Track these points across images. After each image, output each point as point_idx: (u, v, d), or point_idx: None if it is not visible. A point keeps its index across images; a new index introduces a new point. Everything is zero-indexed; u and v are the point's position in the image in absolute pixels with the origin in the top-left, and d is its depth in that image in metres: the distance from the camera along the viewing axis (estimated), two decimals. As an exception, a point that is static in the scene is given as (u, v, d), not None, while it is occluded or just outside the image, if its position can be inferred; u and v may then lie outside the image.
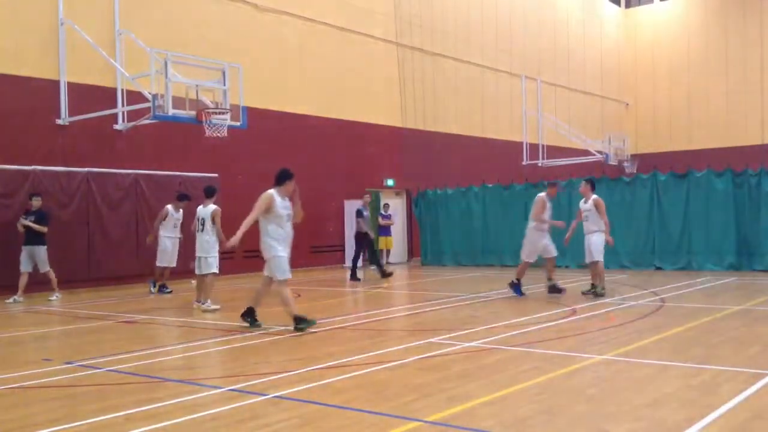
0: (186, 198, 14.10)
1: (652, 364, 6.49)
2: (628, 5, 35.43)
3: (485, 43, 26.40)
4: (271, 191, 8.81)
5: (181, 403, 5.36)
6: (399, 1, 23.09)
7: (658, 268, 16.62)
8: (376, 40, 22.24)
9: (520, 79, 27.51)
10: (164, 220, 13.91)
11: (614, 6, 34.93)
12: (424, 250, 21.16)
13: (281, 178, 8.90)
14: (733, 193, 15.92)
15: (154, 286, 14.31)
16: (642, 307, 10.35)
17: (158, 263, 14.14)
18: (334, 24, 20.88)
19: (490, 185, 20.49)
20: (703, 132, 31.58)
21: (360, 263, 17.19)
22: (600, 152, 25.42)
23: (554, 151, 27.07)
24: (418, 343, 7.77)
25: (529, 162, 26.63)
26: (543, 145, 27.25)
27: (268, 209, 8.68)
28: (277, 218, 8.74)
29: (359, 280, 16.17)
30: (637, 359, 6.71)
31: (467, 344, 7.54)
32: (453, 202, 20.86)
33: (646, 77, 33.98)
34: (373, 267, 16.95)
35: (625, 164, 25.84)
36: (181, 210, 14.11)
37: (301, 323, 8.57)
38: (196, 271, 11.59)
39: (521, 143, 27.12)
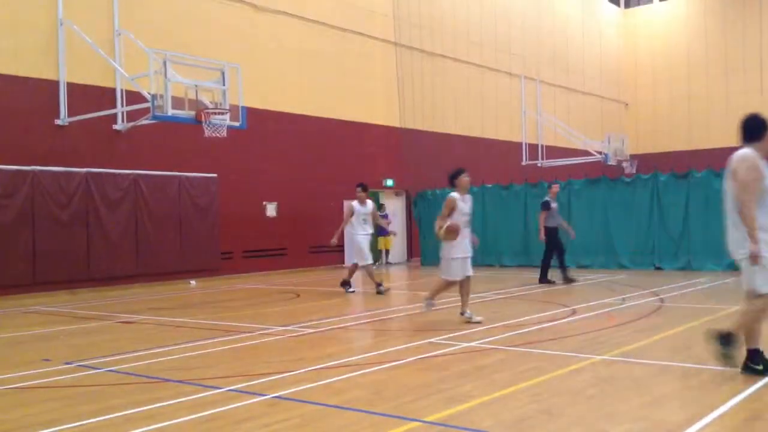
0: (365, 188, 13.36)
1: (652, 364, 6.49)
2: (627, 5, 35.46)
3: (485, 43, 26.41)
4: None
5: (180, 403, 5.36)
6: (398, 2, 23.10)
7: (658, 268, 16.63)
8: (375, 40, 22.25)
9: (519, 79, 27.52)
10: (351, 217, 13.24)
11: (614, 6, 34.95)
12: (424, 250, 21.16)
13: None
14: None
15: (350, 286, 13.57)
16: (641, 307, 10.35)
17: (357, 262, 13.46)
18: (333, 24, 20.89)
19: (490, 185, 20.49)
20: (702, 132, 31.61)
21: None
22: (599, 152, 25.43)
23: (554, 152, 27.09)
24: (417, 343, 7.77)
25: (528, 162, 26.64)
26: (542, 146, 27.26)
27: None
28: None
29: (552, 282, 13.98)
30: (636, 359, 6.71)
31: (466, 344, 7.54)
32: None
33: (646, 77, 34.00)
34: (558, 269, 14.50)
35: (624, 164, 25.84)
36: (369, 203, 13.38)
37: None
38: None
39: (521, 143, 27.14)
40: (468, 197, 9.00)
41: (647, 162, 27.45)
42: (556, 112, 28.32)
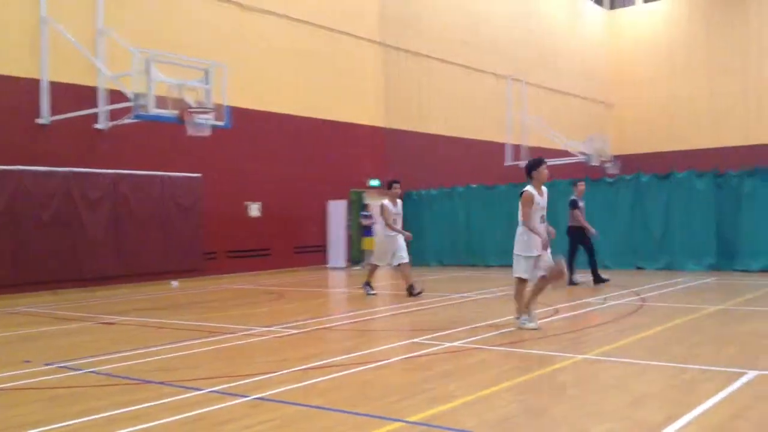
0: (397, 184, 12.66)
1: (633, 364, 6.54)
2: (612, 7, 35.68)
3: (471, 44, 26.48)
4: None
5: (162, 404, 5.33)
6: (385, 2, 23.11)
7: (640, 268, 16.75)
8: (361, 40, 22.25)
9: (504, 80, 27.62)
10: (383, 216, 12.48)
11: (598, 8, 35.17)
12: (409, 250, 21.14)
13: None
14: (714, 194, 16.07)
15: (371, 288, 12.86)
16: (623, 306, 10.42)
17: (376, 262, 12.88)
18: (319, 24, 20.86)
19: (474, 186, 20.55)
20: (685, 133, 31.87)
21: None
22: (582, 153, 25.58)
23: (538, 152, 27.16)
24: (401, 343, 7.78)
25: (512, 163, 26.74)
26: (526, 147, 27.38)
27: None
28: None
29: (576, 283, 13.46)
30: (618, 359, 6.76)
31: (450, 344, 7.56)
32: (437, 203, 20.91)
33: (630, 79, 34.23)
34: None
35: (607, 165, 26.00)
36: (399, 202, 12.65)
37: None
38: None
39: (505, 144, 27.23)
40: (544, 189, 8.43)
41: (630, 163, 27.65)
42: (540, 112, 28.46)
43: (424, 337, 8.04)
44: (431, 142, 24.33)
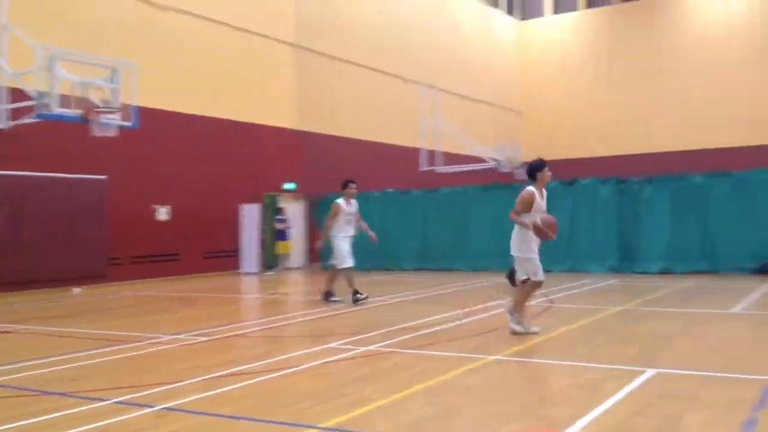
0: (353, 184, 12.09)
1: (542, 364, 6.73)
2: (523, 17, 36.72)
3: (386, 49, 26.67)
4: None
5: (64, 416, 5.07)
6: (301, 4, 22.95)
7: (547, 270, 17.21)
8: (276, 42, 22.01)
9: (418, 86, 27.96)
10: (337, 217, 11.82)
11: (509, 17, 36.15)
12: (324, 254, 21.06)
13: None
14: (616, 200, 16.79)
15: (333, 296, 12.06)
16: (533, 308, 10.71)
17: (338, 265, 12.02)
18: (233, 24, 20.50)
19: (390, 190, 20.70)
20: (591, 141, 33.14)
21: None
22: (494, 160, 26.19)
23: (451, 158, 27.65)
24: (316, 348, 7.72)
25: (427, 168, 27.07)
26: (440, 152, 27.79)
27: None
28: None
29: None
30: (527, 359, 6.94)
31: (365, 348, 7.56)
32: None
33: (539, 88, 35.34)
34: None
35: (517, 172, 26.73)
36: (354, 202, 12.09)
37: None
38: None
39: (419, 150, 27.53)
40: (544, 192, 8.26)
41: (539, 169, 28.47)
42: (453, 119, 28.95)
43: (338, 342, 8.00)
44: (346, 146, 24.34)
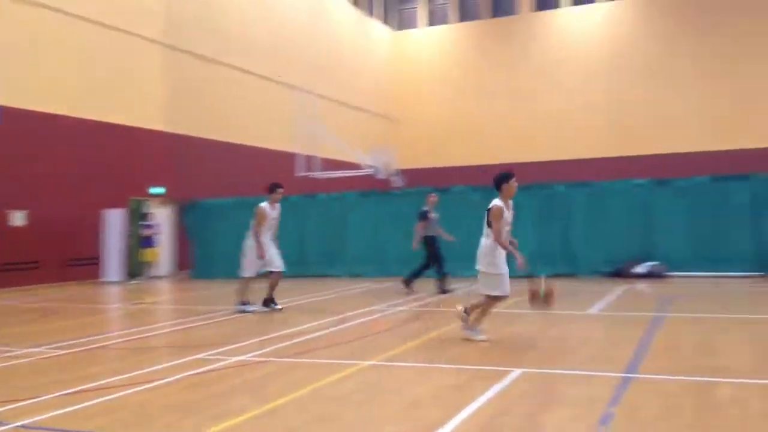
0: (280, 189, 11.74)
1: (415, 367, 6.86)
2: (399, 27, 37.39)
3: (261, 51, 26.31)
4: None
5: None
6: (172, 2, 22.19)
7: (422, 276, 17.64)
8: (144, 39, 21.15)
9: (294, 89, 27.79)
10: (263, 223, 11.37)
11: (385, 27, 36.71)
12: (195, 262, 20.45)
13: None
14: (486, 207, 17.40)
15: (249, 305, 11.51)
16: (406, 313, 10.90)
17: (274, 271, 11.52)
18: (99, 21, 19.50)
19: (265, 196, 20.40)
20: (465, 149, 34.17)
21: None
22: (370, 166, 26.48)
23: (329, 164, 27.70)
24: (185, 359, 7.45)
25: (304, 174, 26.95)
26: (318, 158, 27.75)
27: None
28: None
29: (413, 291, 13.80)
30: (400, 363, 7.04)
31: (236, 358, 7.39)
32: (226, 213, 20.40)
33: (414, 96, 36.11)
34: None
35: (393, 178, 27.17)
36: (278, 207, 11.79)
37: None
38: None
39: (295, 154, 27.36)
40: (511, 204, 8.12)
41: (414, 176, 29.12)
42: (331, 125, 29.02)
43: (209, 352, 7.77)
44: (220, 150, 23.75)
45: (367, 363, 6.96)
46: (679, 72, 29.94)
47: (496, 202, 7.95)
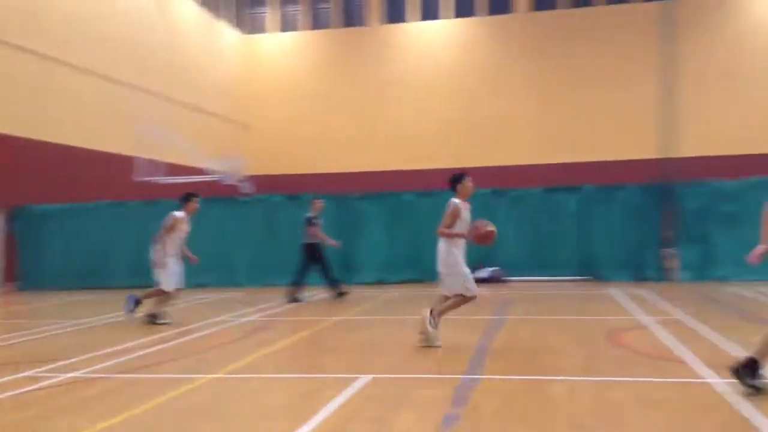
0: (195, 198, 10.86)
1: (262, 378, 6.71)
2: (251, 31, 36.75)
3: (100, 49, 24.83)
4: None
5: None
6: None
7: (271, 285, 17.39)
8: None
9: (135, 90, 26.51)
10: (173, 233, 10.48)
11: (235, 31, 35.98)
12: (24, 273, 18.87)
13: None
14: (337, 215, 17.50)
15: (162, 318, 10.52)
16: (252, 323, 10.68)
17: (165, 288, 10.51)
18: None
19: (103, 202, 19.29)
20: (318, 158, 34.13)
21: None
22: (217, 172, 25.80)
23: (175, 169, 26.63)
24: (6, 378, 6.81)
25: (145, 178, 25.74)
26: (162, 162, 26.62)
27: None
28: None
29: (299, 301, 13.35)
30: (247, 374, 6.87)
31: (70, 375, 6.87)
32: (59, 220, 19.05)
33: (266, 102, 35.62)
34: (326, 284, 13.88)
35: (241, 185, 26.66)
36: (189, 219, 10.84)
37: None
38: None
39: (135, 158, 26.09)
40: (468, 205, 8.07)
41: (266, 183, 28.74)
42: (179, 128, 27.95)
43: (36, 370, 7.16)
44: (51, 152, 22.11)
45: (212, 376, 6.73)
46: (517, 89, 31.80)
47: (454, 200, 8.01)
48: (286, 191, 18.62)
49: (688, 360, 6.89)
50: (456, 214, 7.87)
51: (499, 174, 27.25)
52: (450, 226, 7.85)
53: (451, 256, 7.88)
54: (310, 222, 13.61)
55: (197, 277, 17.51)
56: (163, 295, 10.62)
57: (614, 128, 29.12)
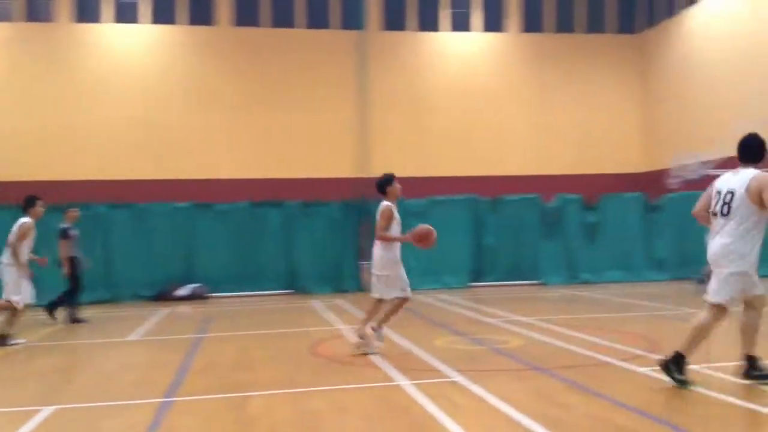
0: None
1: None
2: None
3: None
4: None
5: None
6: None
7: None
8: None
9: None
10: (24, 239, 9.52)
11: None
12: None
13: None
14: (175, 226, 16.33)
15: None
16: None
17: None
18: None
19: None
20: (29, 161, 29.86)
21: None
22: None
23: None
24: None
25: None
26: None
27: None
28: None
29: (81, 321, 11.97)
30: None
31: None
32: None
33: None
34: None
35: None
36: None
37: None
38: None
39: None
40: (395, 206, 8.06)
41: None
42: None
43: None
44: None
45: None
46: (225, 104, 31.22)
47: (385, 203, 8.02)
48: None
49: (381, 365, 7.40)
50: (390, 216, 7.93)
51: (200, 188, 26.67)
52: (385, 228, 7.94)
53: (389, 255, 7.92)
54: (64, 233, 12.16)
55: None
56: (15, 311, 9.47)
57: (318, 147, 30.29)
